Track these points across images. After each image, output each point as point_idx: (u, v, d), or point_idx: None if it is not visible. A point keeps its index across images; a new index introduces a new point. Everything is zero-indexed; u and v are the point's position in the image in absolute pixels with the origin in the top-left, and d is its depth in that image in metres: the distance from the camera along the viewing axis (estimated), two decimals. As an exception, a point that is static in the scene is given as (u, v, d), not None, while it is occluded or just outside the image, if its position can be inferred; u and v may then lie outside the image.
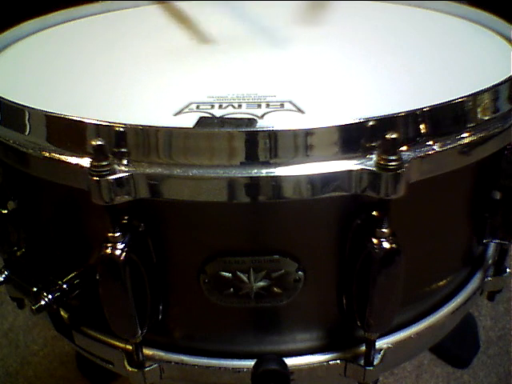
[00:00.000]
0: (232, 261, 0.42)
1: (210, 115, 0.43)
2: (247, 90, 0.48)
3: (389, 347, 0.48)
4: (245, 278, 0.42)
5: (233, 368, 0.46)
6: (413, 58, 0.56)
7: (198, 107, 0.45)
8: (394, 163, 0.36)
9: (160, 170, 0.37)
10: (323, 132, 0.37)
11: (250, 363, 0.45)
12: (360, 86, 0.49)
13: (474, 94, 0.41)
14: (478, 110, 0.42)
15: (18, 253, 0.51)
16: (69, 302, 0.47)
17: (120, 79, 0.53)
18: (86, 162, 0.38)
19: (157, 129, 0.37)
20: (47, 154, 0.40)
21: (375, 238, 0.39)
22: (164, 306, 0.45)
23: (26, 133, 0.42)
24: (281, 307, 0.44)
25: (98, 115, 0.39)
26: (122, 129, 0.37)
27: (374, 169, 0.36)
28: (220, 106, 0.45)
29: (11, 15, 0.70)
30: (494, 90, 0.42)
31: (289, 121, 0.42)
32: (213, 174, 0.36)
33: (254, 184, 0.37)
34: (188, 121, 0.42)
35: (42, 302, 0.45)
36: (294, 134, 0.36)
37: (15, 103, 0.43)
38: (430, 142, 0.39)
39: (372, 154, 0.37)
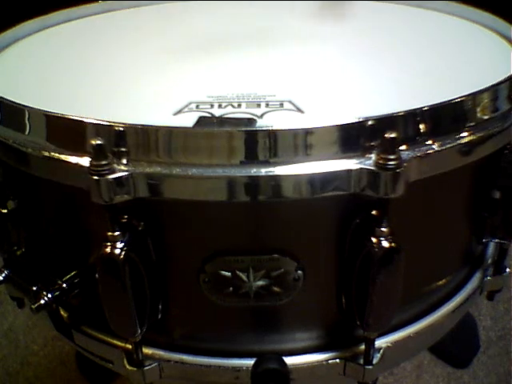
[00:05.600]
0: (231, 260, 0.42)
1: (209, 115, 0.43)
2: (247, 90, 0.48)
3: (388, 346, 0.48)
4: (244, 277, 0.42)
5: (232, 367, 0.46)
6: (412, 58, 0.56)
7: (197, 107, 0.45)
8: (393, 162, 0.36)
9: (159, 169, 0.37)
10: (322, 131, 0.37)
11: (250, 362, 0.45)
12: (359, 85, 0.49)
13: (474, 93, 0.41)
14: (478, 109, 0.42)
15: (18, 252, 0.51)
16: (68, 301, 0.48)
17: (120, 79, 0.53)
18: (85, 161, 0.38)
19: (156, 128, 0.37)
20: (47, 154, 0.40)
21: (374, 237, 0.39)
22: (163, 305, 0.45)
23: (26, 132, 0.42)
24: (280, 306, 0.44)
25: (97, 115, 0.39)
26: (121, 128, 0.37)
27: (373, 168, 0.36)
28: (219, 106, 0.45)
29: (11, 15, 0.71)
30: (494, 89, 0.43)
31: (288, 120, 0.43)
32: (212, 174, 0.37)
33: (253, 183, 0.37)
34: (187, 120, 0.42)
35: (42, 301, 0.45)
36: (294, 133, 0.37)
37: (15, 103, 0.43)
38: (430, 142, 0.39)
39: (371, 153, 0.37)
